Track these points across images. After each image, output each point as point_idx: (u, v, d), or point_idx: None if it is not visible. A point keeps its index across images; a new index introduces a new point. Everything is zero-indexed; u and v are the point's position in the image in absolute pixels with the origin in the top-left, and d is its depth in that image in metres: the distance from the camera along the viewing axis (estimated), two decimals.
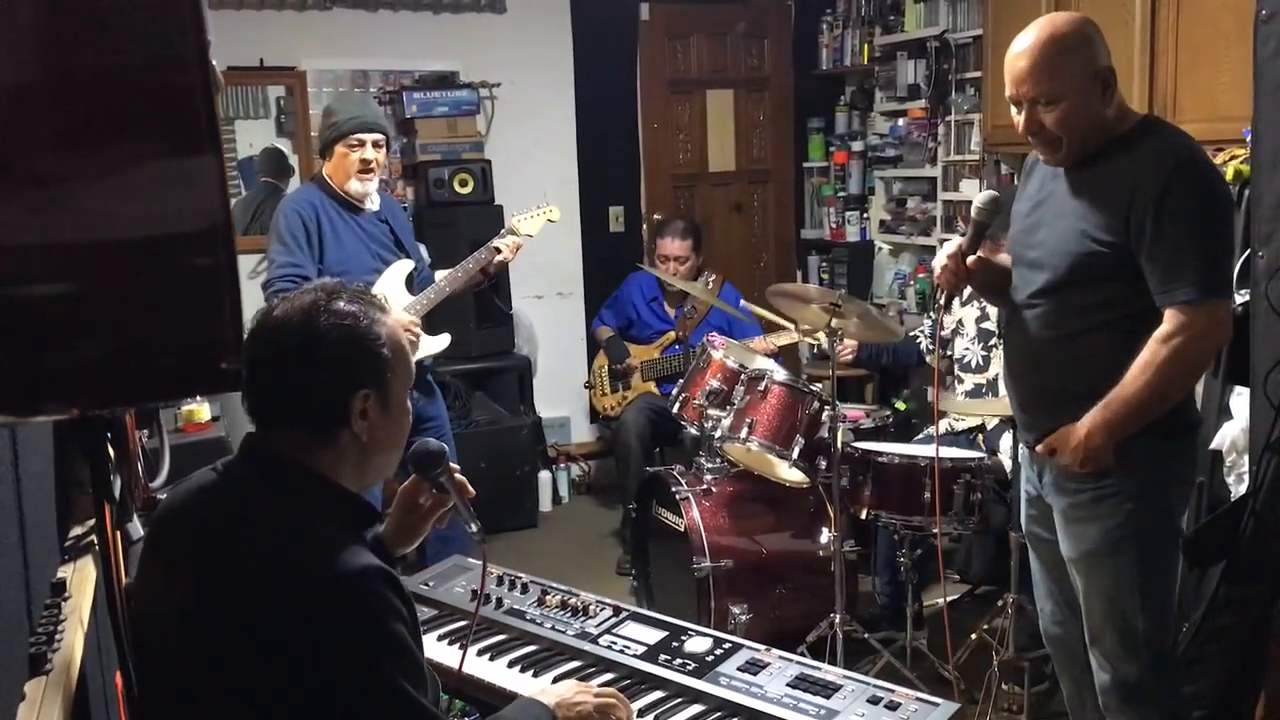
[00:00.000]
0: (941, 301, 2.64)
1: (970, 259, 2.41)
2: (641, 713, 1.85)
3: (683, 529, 3.53)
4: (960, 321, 3.83)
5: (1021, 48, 2.24)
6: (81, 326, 0.97)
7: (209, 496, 1.54)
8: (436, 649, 2.10)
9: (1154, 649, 2.34)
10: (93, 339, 0.98)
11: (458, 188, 5.12)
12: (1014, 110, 2.30)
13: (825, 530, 3.52)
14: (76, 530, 1.83)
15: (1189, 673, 2.67)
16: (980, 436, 3.80)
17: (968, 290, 3.78)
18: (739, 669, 1.91)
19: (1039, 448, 2.39)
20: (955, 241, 2.48)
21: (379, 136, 3.57)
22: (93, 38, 0.86)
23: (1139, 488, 2.28)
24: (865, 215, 6.05)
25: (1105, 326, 2.28)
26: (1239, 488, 2.97)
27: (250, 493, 1.52)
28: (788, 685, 1.84)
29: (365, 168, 3.53)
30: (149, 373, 1.02)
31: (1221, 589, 2.65)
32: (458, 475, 1.80)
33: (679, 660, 1.95)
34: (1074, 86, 2.20)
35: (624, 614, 2.13)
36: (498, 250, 3.74)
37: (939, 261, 2.47)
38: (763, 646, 1.98)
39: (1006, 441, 3.69)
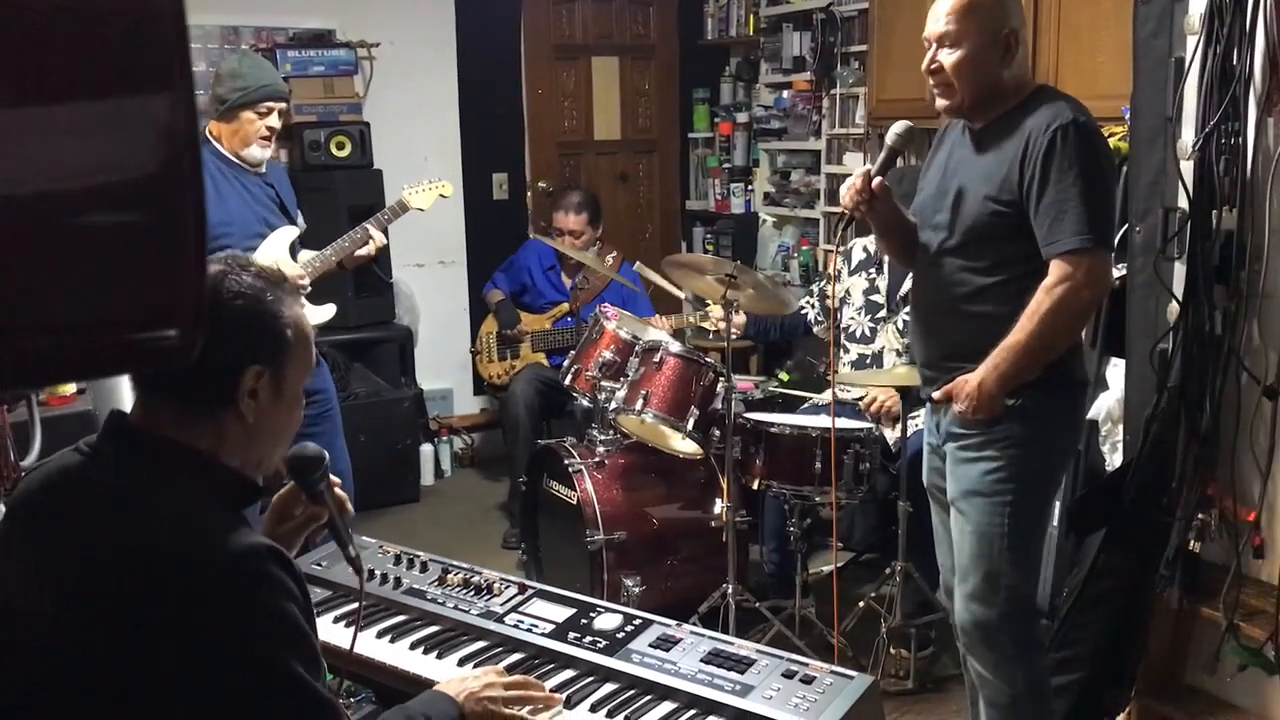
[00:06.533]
0: (843, 227, 2.65)
1: (876, 182, 2.49)
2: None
3: (575, 502, 3.48)
4: (848, 291, 3.87)
5: None
6: None
7: (74, 479, 1.41)
8: (331, 631, 2.01)
9: (1015, 594, 2.44)
10: None
11: (334, 150, 4.93)
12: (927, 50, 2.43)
13: (718, 501, 3.52)
14: None
15: (1069, 637, 2.76)
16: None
17: (857, 258, 3.86)
18: (651, 645, 1.87)
19: (936, 395, 2.50)
20: (865, 166, 2.59)
21: (284, 105, 3.51)
22: None
23: (1024, 436, 2.40)
24: (750, 187, 6.06)
25: (1004, 284, 2.39)
26: (1114, 457, 3.08)
27: (122, 473, 1.40)
28: (701, 661, 1.82)
29: (268, 134, 3.45)
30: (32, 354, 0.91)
31: (1101, 556, 2.73)
32: (338, 491, 1.71)
33: (589, 638, 1.91)
34: (976, 37, 2.35)
35: (530, 592, 2.07)
36: (383, 224, 3.67)
37: (847, 185, 2.54)
38: (673, 622, 1.95)
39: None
